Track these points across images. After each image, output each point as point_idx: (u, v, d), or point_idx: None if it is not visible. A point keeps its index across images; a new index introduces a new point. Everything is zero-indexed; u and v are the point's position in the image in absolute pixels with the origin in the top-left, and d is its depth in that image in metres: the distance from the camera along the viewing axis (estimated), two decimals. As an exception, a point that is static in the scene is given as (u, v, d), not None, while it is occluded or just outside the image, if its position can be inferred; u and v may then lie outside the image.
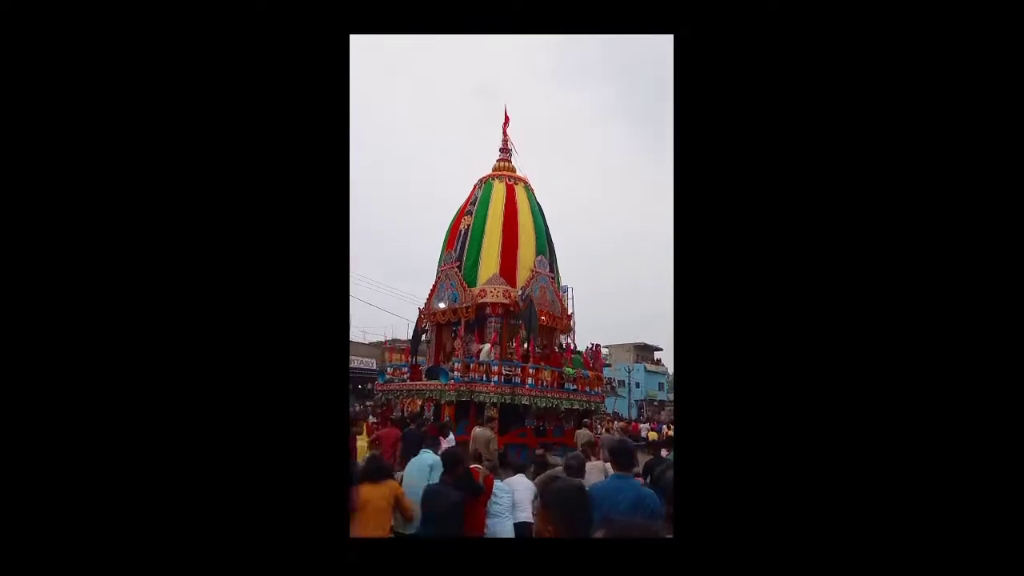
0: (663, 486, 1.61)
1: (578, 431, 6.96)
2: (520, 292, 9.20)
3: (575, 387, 9.10)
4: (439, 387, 8.34)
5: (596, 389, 9.72)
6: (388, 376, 10.01)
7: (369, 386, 15.59)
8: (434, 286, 10.11)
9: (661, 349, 36.54)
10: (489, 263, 9.54)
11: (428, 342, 10.42)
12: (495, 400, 7.98)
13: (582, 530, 1.05)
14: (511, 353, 8.67)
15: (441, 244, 10.67)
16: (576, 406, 9.05)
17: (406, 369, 9.98)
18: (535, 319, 8.85)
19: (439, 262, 10.41)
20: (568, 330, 10.31)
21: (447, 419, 7.30)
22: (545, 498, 1.22)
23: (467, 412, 8.13)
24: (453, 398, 8.07)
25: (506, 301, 9.15)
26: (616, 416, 19.53)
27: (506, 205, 10.00)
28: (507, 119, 11.63)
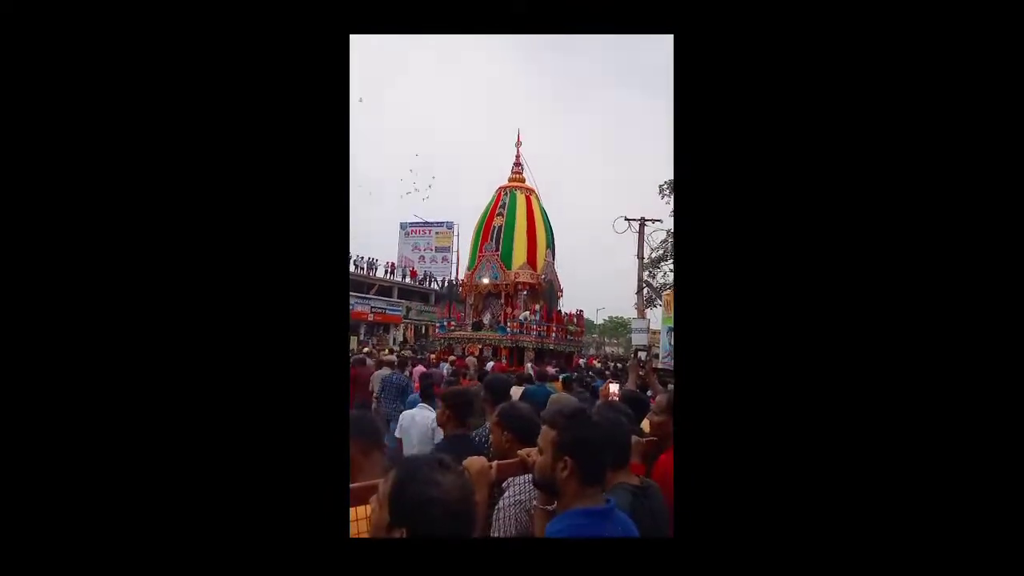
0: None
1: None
2: (542, 276, 14.10)
3: (572, 338, 14.48)
4: (499, 337, 13.12)
5: (580, 339, 15.28)
6: (447, 327, 14.44)
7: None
8: (476, 267, 14.51)
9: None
10: (519, 254, 14.17)
11: (471, 305, 14.96)
12: (533, 347, 12.99)
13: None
14: (538, 315, 13.65)
15: (475, 234, 15.00)
16: (571, 349, 14.47)
17: (454, 322, 14.49)
18: (554, 296, 13.92)
19: (474, 248, 14.81)
20: (561, 297, 15.52)
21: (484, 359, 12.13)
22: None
23: (511, 353, 13.06)
24: (509, 344, 12.93)
25: (532, 281, 13.99)
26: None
27: (527, 212, 14.56)
28: (519, 141, 15.88)
